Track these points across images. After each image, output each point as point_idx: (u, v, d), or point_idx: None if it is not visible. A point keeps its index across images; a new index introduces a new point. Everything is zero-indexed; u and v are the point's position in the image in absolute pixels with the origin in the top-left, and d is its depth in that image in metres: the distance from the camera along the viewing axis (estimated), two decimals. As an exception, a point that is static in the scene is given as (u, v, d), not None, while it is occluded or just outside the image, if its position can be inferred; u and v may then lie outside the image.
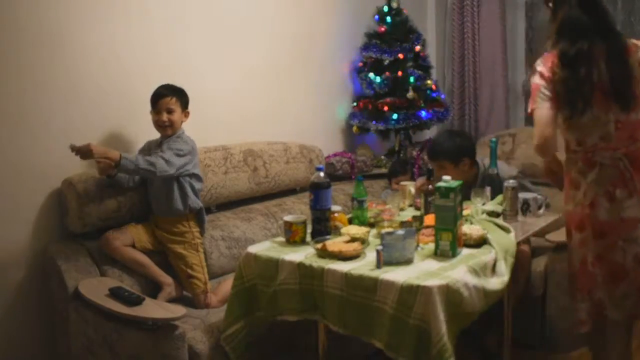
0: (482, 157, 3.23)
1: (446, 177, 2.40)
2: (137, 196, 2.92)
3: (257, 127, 3.69)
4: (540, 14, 4.58)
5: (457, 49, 4.61)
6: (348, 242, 2.40)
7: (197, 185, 2.94)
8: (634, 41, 2.39)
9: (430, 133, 4.58)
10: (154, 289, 2.83)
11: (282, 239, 2.56)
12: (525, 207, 2.87)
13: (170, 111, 2.86)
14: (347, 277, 2.19)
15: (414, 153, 4.14)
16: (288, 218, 2.56)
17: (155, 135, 2.95)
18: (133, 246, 2.81)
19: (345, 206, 3.26)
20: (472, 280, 2.17)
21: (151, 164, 2.70)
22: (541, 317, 3.24)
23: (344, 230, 2.52)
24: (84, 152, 2.62)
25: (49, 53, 2.79)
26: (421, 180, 3.18)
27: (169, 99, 2.86)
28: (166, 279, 2.83)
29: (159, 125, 2.87)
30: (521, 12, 4.61)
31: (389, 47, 4.14)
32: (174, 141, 2.85)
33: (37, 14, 2.74)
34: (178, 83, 2.99)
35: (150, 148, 2.94)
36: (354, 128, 4.23)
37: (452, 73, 4.67)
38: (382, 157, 4.29)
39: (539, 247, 3.22)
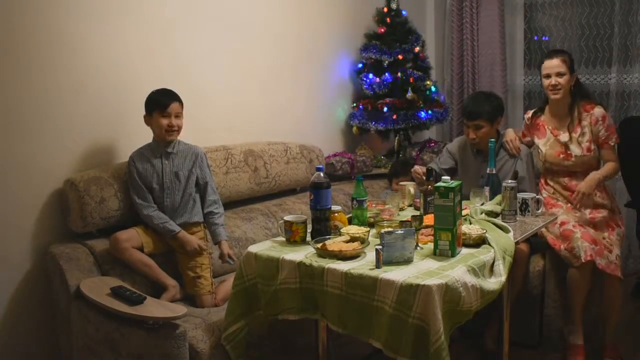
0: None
1: (445, 178, 2.41)
2: (138, 196, 2.94)
3: (257, 127, 3.71)
4: (538, 15, 4.60)
5: (456, 50, 4.63)
6: (348, 241, 2.41)
7: None
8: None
9: (429, 133, 4.60)
10: (155, 289, 2.84)
11: (282, 238, 2.57)
12: (524, 207, 2.88)
13: (177, 116, 2.87)
14: (347, 277, 2.20)
15: (414, 153, 4.16)
16: (288, 218, 2.57)
17: (149, 138, 2.93)
18: (140, 248, 2.82)
19: (345, 206, 3.28)
20: (471, 279, 2.18)
21: (223, 214, 2.99)
22: (539, 317, 3.26)
23: (343, 230, 2.53)
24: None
25: (50, 54, 2.81)
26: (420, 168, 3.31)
27: (177, 104, 2.87)
28: (170, 281, 2.84)
29: (169, 129, 2.84)
30: (520, 14, 4.62)
31: (388, 48, 4.16)
32: (202, 159, 2.96)
33: (39, 16, 2.76)
34: (179, 84, 3.01)
35: (150, 158, 2.87)
36: (354, 128, 4.25)
37: (451, 74, 4.69)
38: (382, 157, 4.31)
39: (537, 246, 3.24)
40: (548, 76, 3.23)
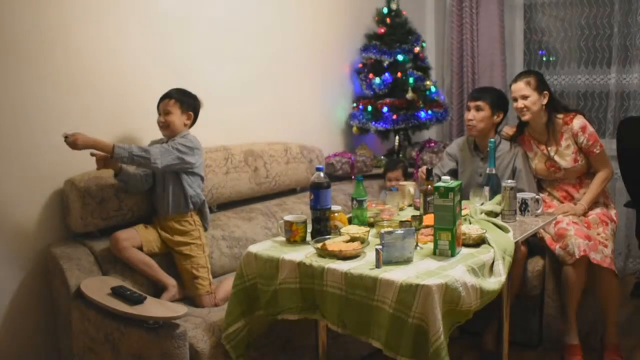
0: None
1: (445, 178, 2.42)
2: (138, 195, 2.94)
3: (257, 127, 3.71)
4: (538, 15, 4.61)
5: (456, 50, 4.63)
6: (348, 241, 2.41)
7: (199, 184, 2.96)
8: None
9: (429, 133, 4.60)
10: (155, 289, 2.84)
11: (282, 238, 2.57)
12: (524, 207, 2.88)
13: (167, 113, 2.90)
14: (347, 277, 2.20)
15: (414, 153, 4.16)
16: (288, 218, 2.57)
17: (158, 134, 2.98)
18: (140, 248, 2.83)
19: (345, 206, 3.28)
20: (471, 279, 2.19)
21: (145, 150, 2.71)
22: (539, 317, 3.26)
23: (343, 229, 2.54)
24: (70, 143, 2.59)
25: (50, 54, 2.81)
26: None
27: (167, 101, 2.91)
28: (170, 280, 2.85)
29: (158, 126, 2.93)
30: (519, 14, 4.63)
31: (388, 48, 4.16)
32: (178, 140, 2.87)
33: (37, 12, 2.76)
34: (179, 84, 3.01)
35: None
36: (354, 128, 4.25)
37: (450, 74, 4.69)
38: (382, 157, 4.31)
39: (536, 247, 3.24)
40: (515, 99, 3.28)
